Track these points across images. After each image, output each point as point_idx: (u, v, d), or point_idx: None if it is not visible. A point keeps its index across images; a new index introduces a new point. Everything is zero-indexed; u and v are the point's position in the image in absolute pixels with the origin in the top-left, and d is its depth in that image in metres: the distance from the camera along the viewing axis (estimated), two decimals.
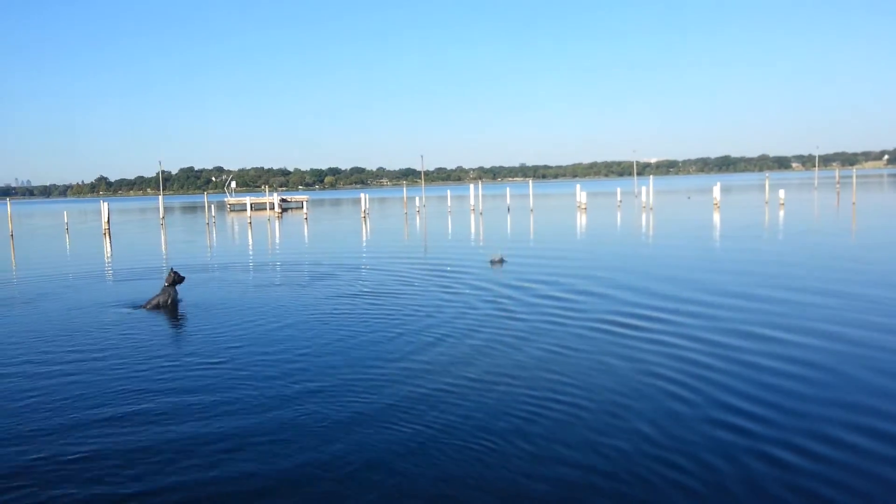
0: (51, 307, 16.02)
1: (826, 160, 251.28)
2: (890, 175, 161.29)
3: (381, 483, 6.08)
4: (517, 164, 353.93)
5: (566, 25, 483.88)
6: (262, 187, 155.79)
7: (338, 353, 10.74)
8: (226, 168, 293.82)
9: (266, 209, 76.22)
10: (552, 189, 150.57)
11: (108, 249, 34.69)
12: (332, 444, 6.93)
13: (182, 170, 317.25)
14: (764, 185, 61.95)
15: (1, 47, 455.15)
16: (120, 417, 7.99)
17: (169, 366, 10.26)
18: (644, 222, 39.84)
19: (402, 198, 72.11)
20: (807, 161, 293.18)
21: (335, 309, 14.54)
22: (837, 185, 76.85)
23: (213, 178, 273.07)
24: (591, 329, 11.67)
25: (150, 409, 8.27)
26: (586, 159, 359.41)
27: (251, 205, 67.08)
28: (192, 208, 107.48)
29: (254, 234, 42.68)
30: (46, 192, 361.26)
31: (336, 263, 23.06)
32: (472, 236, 35.23)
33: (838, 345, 10.15)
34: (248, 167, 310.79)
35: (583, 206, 55.24)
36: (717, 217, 41.14)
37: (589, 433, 7.03)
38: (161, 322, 14.01)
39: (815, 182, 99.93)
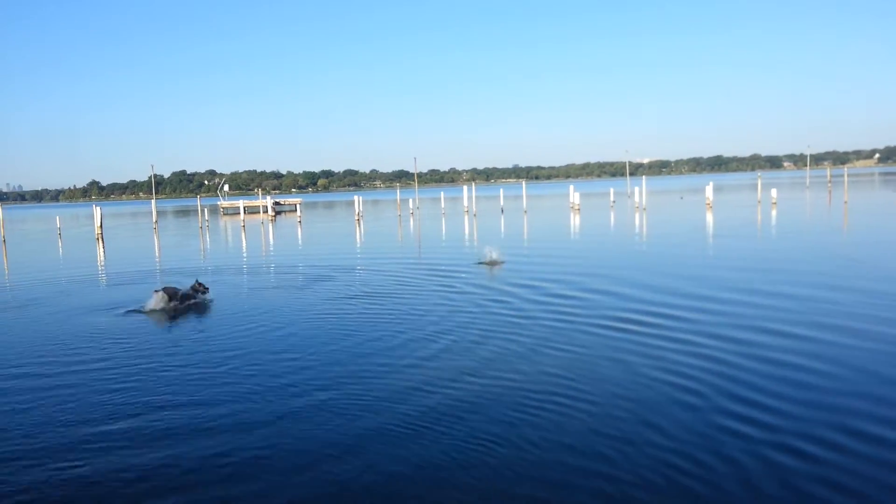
0: (42, 312, 15.90)
1: (817, 159, 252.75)
2: (881, 173, 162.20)
3: (386, 484, 6.06)
4: (510, 166, 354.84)
5: (560, 27, 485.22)
6: (255, 190, 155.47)
7: (340, 355, 10.67)
8: (218, 171, 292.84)
9: (259, 212, 76.00)
10: (545, 190, 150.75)
11: (101, 254, 34.51)
12: (338, 446, 6.90)
13: (174, 173, 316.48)
14: (756, 185, 62.18)
15: None
16: (121, 423, 7.89)
17: (169, 371, 10.15)
18: (638, 222, 39.93)
19: (396, 200, 72.05)
20: (798, 160, 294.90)
21: (333, 311, 14.50)
22: (829, 184, 77.19)
23: (206, 182, 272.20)
24: (593, 328, 11.68)
25: (153, 413, 8.18)
26: (579, 160, 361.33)
27: (244, 208, 66.95)
28: (185, 212, 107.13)
29: (247, 238, 42.56)
30: (38, 196, 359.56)
31: (331, 266, 23.00)
32: (467, 238, 35.23)
33: (846, 340, 10.21)
34: (241, 170, 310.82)
35: (576, 207, 55.31)
36: (710, 217, 41.26)
37: (593, 432, 7.04)
38: (157, 326, 13.92)
39: (807, 181, 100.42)
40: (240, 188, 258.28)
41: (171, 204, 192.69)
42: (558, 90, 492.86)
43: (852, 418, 7.20)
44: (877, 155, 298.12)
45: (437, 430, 7.27)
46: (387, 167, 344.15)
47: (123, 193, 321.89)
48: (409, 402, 8.20)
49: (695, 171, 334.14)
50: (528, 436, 7.00)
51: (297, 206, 72.62)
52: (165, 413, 8.24)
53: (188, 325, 13.88)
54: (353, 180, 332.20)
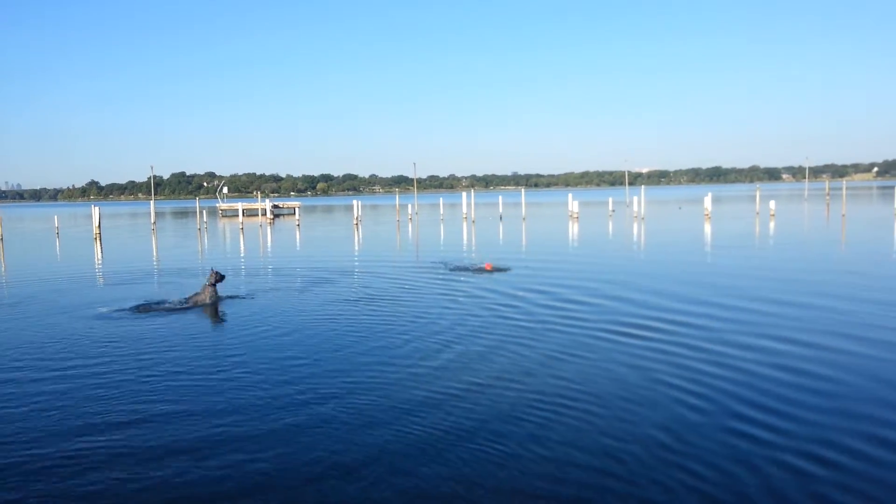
0: (38, 310, 15.79)
1: (816, 172, 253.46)
2: (879, 187, 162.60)
3: (396, 486, 5.99)
4: (509, 173, 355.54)
5: (560, 34, 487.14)
6: (254, 193, 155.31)
7: (344, 358, 10.57)
8: (217, 173, 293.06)
9: (258, 215, 75.96)
10: (544, 198, 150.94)
11: (99, 254, 34.42)
12: (348, 448, 6.82)
13: (174, 175, 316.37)
14: (754, 196, 62.30)
15: None
16: (124, 425, 7.75)
17: (171, 373, 9.98)
18: (636, 232, 39.94)
19: (395, 205, 72.03)
20: (797, 172, 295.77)
21: (335, 315, 14.39)
22: (827, 197, 77.37)
23: (205, 184, 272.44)
24: (599, 333, 11.64)
25: (156, 417, 8.06)
26: (578, 168, 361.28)
27: (243, 210, 66.88)
28: (184, 213, 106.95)
29: (246, 240, 42.48)
30: (37, 195, 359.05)
31: (331, 269, 22.94)
32: (465, 244, 35.22)
33: (846, 354, 10.13)
34: (240, 173, 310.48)
35: (575, 216, 55.35)
36: (708, 228, 41.29)
37: (601, 437, 6.98)
38: (158, 326, 13.79)
39: (806, 193, 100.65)
40: (239, 190, 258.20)
41: (170, 205, 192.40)
42: (558, 98, 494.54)
43: (866, 424, 7.16)
44: (875, 168, 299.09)
45: (443, 433, 7.23)
46: (386, 172, 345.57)
47: (122, 194, 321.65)
48: (420, 409, 8.08)
49: (694, 181, 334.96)
50: (543, 445, 6.89)
51: (296, 209, 72.54)
52: (169, 408, 8.15)
53: (184, 327, 13.78)
54: (352, 185, 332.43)
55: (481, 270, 20.78)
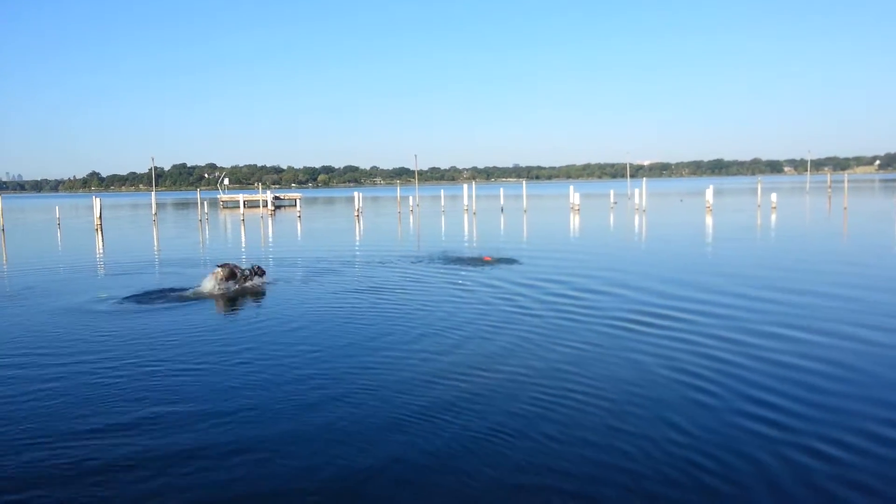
0: (39, 300, 15.78)
1: (818, 165, 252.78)
2: (881, 180, 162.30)
3: (410, 480, 6.01)
4: (511, 165, 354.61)
5: (561, 27, 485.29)
6: (255, 184, 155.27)
7: (353, 349, 10.54)
8: (219, 165, 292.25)
9: (259, 206, 75.88)
10: (545, 190, 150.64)
11: (100, 245, 34.42)
12: (359, 445, 6.78)
13: (175, 166, 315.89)
14: (756, 189, 62.15)
15: None
16: (125, 426, 7.60)
17: (180, 367, 9.85)
18: (638, 224, 39.89)
19: (396, 197, 71.93)
20: (799, 165, 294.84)
21: (341, 304, 14.39)
22: (829, 190, 77.16)
23: (206, 175, 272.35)
24: (602, 326, 11.62)
25: (158, 414, 7.95)
26: (580, 160, 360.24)
27: (244, 202, 66.81)
28: (185, 205, 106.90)
29: (247, 231, 42.48)
30: (38, 186, 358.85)
31: (333, 260, 22.92)
32: (466, 236, 35.19)
33: (859, 344, 10.15)
34: (241, 164, 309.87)
35: (576, 208, 55.25)
36: (709, 220, 41.22)
37: (610, 428, 7.01)
38: (164, 318, 13.78)
39: (807, 186, 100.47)
40: (240, 182, 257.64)
41: (171, 196, 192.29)
42: (559, 91, 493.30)
43: (870, 421, 7.17)
44: (877, 162, 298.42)
45: (456, 423, 7.24)
46: (387, 164, 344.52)
47: (123, 185, 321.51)
48: (427, 395, 8.13)
49: (695, 173, 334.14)
50: (547, 430, 6.94)
51: (297, 201, 72.43)
52: (178, 404, 8.12)
53: (186, 316, 13.76)
54: (353, 176, 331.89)
55: (481, 262, 20.77)
